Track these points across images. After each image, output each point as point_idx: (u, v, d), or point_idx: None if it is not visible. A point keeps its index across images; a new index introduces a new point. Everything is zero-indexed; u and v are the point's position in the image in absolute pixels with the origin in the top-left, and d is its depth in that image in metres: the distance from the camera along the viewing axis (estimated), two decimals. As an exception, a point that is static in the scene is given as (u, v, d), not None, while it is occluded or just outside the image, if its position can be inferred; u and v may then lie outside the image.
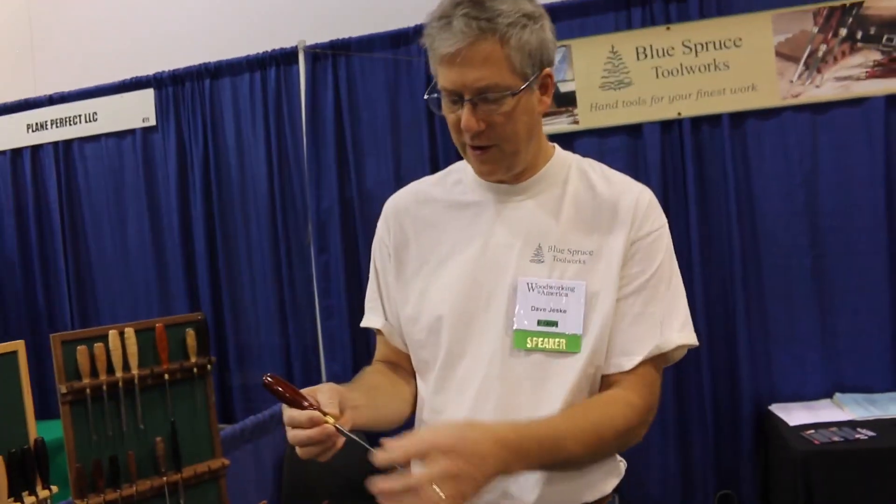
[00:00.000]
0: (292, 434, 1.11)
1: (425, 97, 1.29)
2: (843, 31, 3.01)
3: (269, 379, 1.16)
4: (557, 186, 1.34)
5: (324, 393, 1.15)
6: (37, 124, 4.16)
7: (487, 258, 1.32)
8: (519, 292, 1.28)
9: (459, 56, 1.18)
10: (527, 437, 1.12)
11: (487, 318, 1.30)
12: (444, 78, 1.23)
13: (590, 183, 1.35)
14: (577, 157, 1.41)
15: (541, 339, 1.27)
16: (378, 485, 1.00)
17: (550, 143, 1.40)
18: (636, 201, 1.31)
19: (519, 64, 1.21)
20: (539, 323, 1.26)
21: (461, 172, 1.41)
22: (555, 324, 1.26)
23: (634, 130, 3.24)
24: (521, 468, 1.11)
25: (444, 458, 1.00)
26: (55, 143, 4.14)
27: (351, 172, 3.60)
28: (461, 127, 1.23)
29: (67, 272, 4.13)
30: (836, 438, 2.59)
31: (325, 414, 1.10)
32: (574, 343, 1.26)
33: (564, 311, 1.27)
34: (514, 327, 1.27)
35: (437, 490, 0.97)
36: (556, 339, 1.27)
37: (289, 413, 1.12)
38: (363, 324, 1.50)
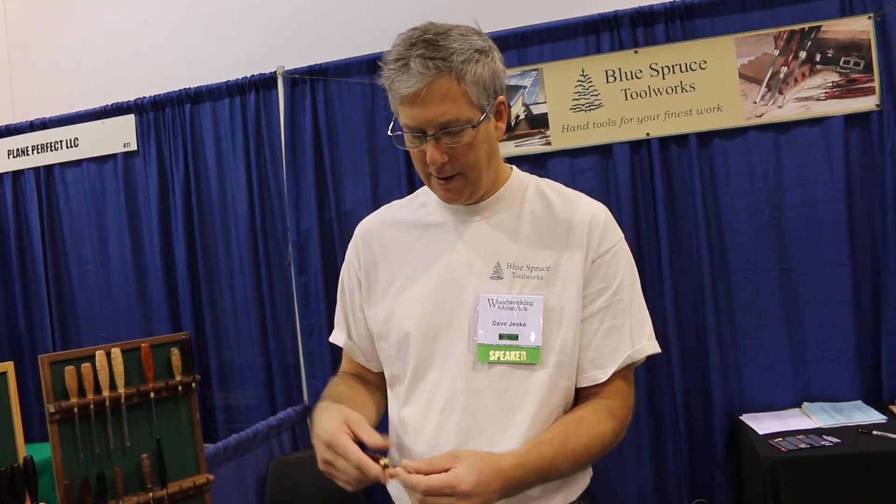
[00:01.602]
0: (334, 472, 1.21)
1: (389, 134, 1.36)
2: (803, 54, 3.13)
3: None
4: (515, 205, 1.41)
5: (366, 431, 1.22)
6: (18, 150, 4.20)
7: (449, 276, 1.38)
8: (480, 308, 1.34)
9: (420, 96, 1.24)
10: (527, 468, 1.23)
11: (451, 333, 1.36)
12: (406, 116, 1.29)
13: (546, 201, 1.42)
14: (534, 177, 1.48)
15: (502, 352, 1.33)
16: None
17: (507, 165, 1.47)
18: (592, 220, 1.38)
19: (476, 97, 1.28)
20: (500, 337, 1.33)
21: (427, 196, 1.48)
22: (515, 337, 1.33)
23: (605, 151, 3.33)
24: (518, 492, 1.23)
25: (464, 498, 1.12)
26: (36, 169, 4.17)
27: (329, 194, 3.66)
28: (427, 161, 1.30)
29: (49, 296, 4.16)
30: (802, 445, 2.68)
31: (377, 460, 1.18)
32: (534, 355, 1.33)
33: (524, 325, 1.33)
34: (477, 342, 1.34)
35: None
36: (517, 352, 1.33)
37: (346, 463, 1.19)
38: (330, 339, 1.60)
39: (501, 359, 1.33)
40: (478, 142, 1.31)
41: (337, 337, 1.57)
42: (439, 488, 1.12)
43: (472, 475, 1.14)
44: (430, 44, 1.25)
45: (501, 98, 1.35)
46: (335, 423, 1.23)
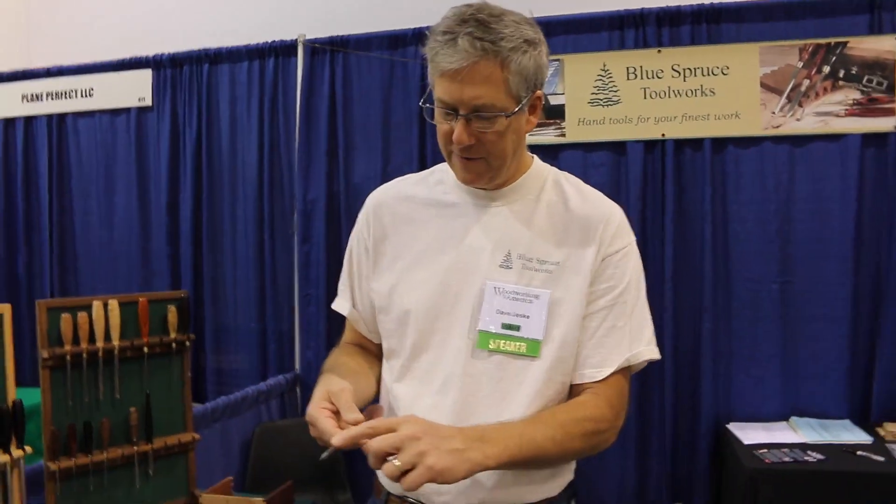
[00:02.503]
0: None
1: (420, 104, 1.34)
2: (827, 69, 3.10)
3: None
4: (532, 196, 1.40)
5: (344, 404, 1.20)
6: (32, 95, 4.20)
7: (459, 259, 1.37)
8: (486, 295, 1.34)
9: (461, 74, 1.23)
10: (491, 426, 1.21)
11: (453, 316, 1.36)
12: (443, 91, 1.27)
13: (564, 195, 1.41)
14: (554, 169, 1.47)
15: (503, 341, 1.33)
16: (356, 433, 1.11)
17: (529, 154, 1.46)
18: (607, 219, 1.37)
19: (515, 87, 1.26)
20: (503, 326, 1.33)
21: (444, 173, 1.46)
22: (517, 328, 1.32)
23: (619, 147, 3.32)
24: (490, 453, 1.15)
25: (413, 443, 1.09)
26: (49, 116, 4.18)
27: (340, 166, 3.66)
28: (453, 139, 1.29)
29: (51, 243, 4.18)
30: (786, 459, 2.69)
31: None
32: (534, 348, 1.32)
33: (528, 317, 1.32)
34: (479, 328, 1.33)
35: (395, 461, 1.09)
36: (517, 343, 1.33)
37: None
38: (333, 306, 1.59)
39: (501, 348, 1.33)
40: (508, 132, 1.30)
41: (341, 305, 1.56)
42: (392, 444, 1.10)
43: (415, 422, 1.14)
44: (481, 24, 1.23)
45: (539, 93, 1.33)
46: (316, 398, 1.23)
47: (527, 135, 1.39)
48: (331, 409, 1.20)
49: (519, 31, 1.25)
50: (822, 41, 3.10)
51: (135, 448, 2.13)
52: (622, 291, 1.36)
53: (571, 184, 1.44)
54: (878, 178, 3.10)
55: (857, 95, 3.09)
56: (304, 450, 3.14)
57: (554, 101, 3.33)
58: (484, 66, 1.23)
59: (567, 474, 1.42)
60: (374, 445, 1.10)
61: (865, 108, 3.08)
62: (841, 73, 3.10)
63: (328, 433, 1.15)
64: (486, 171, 1.34)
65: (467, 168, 1.34)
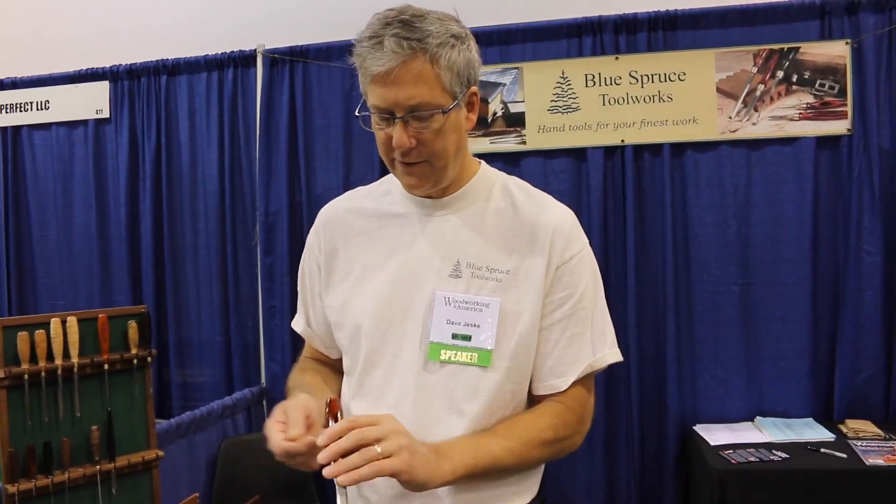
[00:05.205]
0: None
1: (356, 114, 1.32)
2: (780, 74, 3.17)
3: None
4: (480, 202, 1.38)
5: (293, 421, 1.20)
6: (-14, 108, 4.12)
7: (408, 270, 1.35)
8: (436, 306, 1.32)
9: (391, 75, 1.21)
10: (444, 442, 1.23)
11: (404, 328, 1.34)
12: (376, 96, 1.26)
13: (512, 201, 1.39)
14: (502, 174, 1.45)
15: (454, 352, 1.31)
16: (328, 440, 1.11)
17: (476, 160, 1.44)
18: (558, 226, 1.35)
19: (448, 83, 1.24)
20: (453, 336, 1.30)
21: (391, 184, 1.44)
22: (468, 338, 1.30)
23: (579, 154, 3.33)
24: (449, 468, 1.18)
25: (397, 436, 1.13)
26: (3, 129, 4.09)
27: (301, 177, 3.64)
28: (393, 144, 1.26)
29: (8, 258, 4.09)
30: (752, 459, 2.72)
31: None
32: (485, 358, 1.31)
33: (478, 326, 1.30)
34: (430, 339, 1.31)
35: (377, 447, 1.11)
36: (469, 353, 1.31)
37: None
38: (292, 324, 1.59)
39: (452, 359, 1.31)
40: (446, 129, 1.27)
41: (297, 323, 1.56)
42: (370, 437, 1.12)
43: (394, 419, 1.16)
44: (406, 24, 1.22)
45: (474, 89, 1.32)
46: (273, 413, 1.23)
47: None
48: (284, 423, 1.20)
49: (444, 27, 1.24)
50: (776, 47, 3.16)
51: (97, 467, 2.10)
52: (580, 297, 1.35)
53: (521, 188, 1.42)
54: (833, 180, 3.16)
55: (810, 99, 3.15)
56: (271, 464, 3.11)
57: (514, 108, 3.34)
58: (413, 64, 1.21)
59: (529, 492, 1.40)
60: (357, 436, 1.10)
61: (819, 111, 3.14)
62: (794, 78, 3.16)
63: (273, 443, 1.17)
64: (430, 173, 1.31)
65: (410, 173, 1.31)
